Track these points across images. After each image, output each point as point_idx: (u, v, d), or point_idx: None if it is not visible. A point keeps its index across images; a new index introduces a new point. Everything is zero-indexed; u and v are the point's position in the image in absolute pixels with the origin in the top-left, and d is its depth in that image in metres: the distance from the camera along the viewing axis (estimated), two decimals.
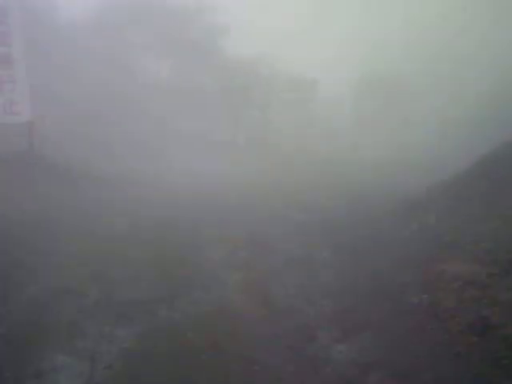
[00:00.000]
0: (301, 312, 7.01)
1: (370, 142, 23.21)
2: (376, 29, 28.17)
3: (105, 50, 21.17)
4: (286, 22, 28.20)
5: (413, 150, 21.56)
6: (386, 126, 24.99)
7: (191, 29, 23.07)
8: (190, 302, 7.23)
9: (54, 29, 19.85)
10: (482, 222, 8.95)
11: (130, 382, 5.50)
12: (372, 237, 10.10)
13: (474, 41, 25.41)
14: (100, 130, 19.51)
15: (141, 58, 23.15)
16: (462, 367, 5.53)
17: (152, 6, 22.66)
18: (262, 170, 17.90)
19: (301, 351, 6.03)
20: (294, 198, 13.76)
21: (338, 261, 8.95)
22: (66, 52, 19.62)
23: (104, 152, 18.04)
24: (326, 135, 23.08)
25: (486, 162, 11.37)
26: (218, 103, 21.60)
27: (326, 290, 7.65)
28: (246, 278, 8.13)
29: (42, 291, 7.30)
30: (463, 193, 10.75)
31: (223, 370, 5.67)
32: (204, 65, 21.94)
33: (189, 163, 18.55)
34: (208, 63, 22.08)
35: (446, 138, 21.48)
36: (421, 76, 25.76)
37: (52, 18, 20.55)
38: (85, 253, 8.80)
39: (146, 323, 6.63)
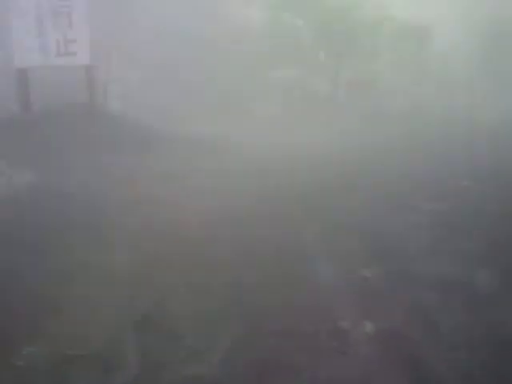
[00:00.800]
0: None
1: (494, 101, 19.23)
2: None
3: None
4: None
5: None
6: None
7: None
8: None
9: None
10: None
11: None
12: None
13: None
14: (181, 79, 16.73)
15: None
16: None
17: None
18: (364, 134, 14.58)
19: None
20: (415, 179, 10.00)
21: None
22: None
23: (185, 106, 15.23)
24: (442, 91, 19.22)
25: None
26: (314, 50, 18.27)
27: None
28: None
29: None
30: None
31: None
32: (299, 6, 18.53)
33: (281, 120, 15.51)
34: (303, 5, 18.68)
35: None
36: None
37: None
38: None
39: None
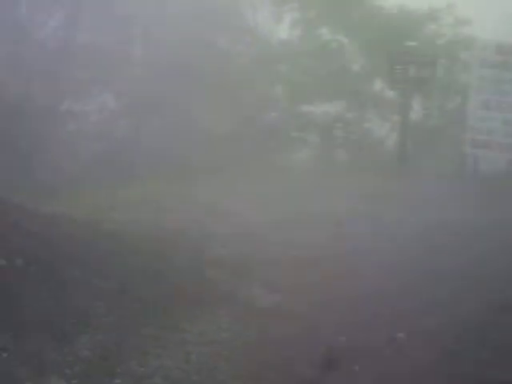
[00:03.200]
0: None
1: None
2: None
3: None
4: None
5: None
6: None
7: None
8: None
9: None
10: None
11: None
12: None
13: None
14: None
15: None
16: None
17: None
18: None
19: None
20: None
21: None
22: None
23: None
24: None
25: None
26: (367, 77, 14.22)
27: None
28: None
29: None
30: None
31: None
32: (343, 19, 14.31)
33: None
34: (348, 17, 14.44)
35: None
36: None
37: None
38: None
39: None
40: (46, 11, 14.56)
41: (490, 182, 11.01)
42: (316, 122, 14.22)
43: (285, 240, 7.45)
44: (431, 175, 11.54)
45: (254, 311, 5.34)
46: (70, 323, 4.32)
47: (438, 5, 13.50)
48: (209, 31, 16.02)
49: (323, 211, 8.78)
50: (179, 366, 4.10)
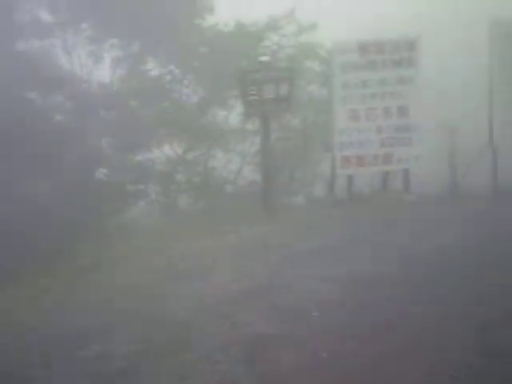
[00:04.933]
0: None
1: None
2: None
3: None
4: None
5: None
6: None
7: None
8: None
9: None
10: None
11: None
12: None
13: None
14: None
15: None
16: None
17: None
18: None
19: None
20: None
21: None
22: None
23: None
24: None
25: None
26: None
27: None
28: None
29: None
30: None
31: None
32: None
33: None
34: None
35: None
36: None
37: None
38: None
39: None
40: None
41: (365, 205, 8.58)
42: (155, 170, 11.30)
43: None
44: (299, 213, 8.91)
45: None
46: None
47: (277, 13, 11.37)
48: (16, 86, 12.87)
49: None
50: None
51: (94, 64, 13.35)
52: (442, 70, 11.41)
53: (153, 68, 12.15)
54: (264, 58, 10.19)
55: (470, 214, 7.45)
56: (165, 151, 11.62)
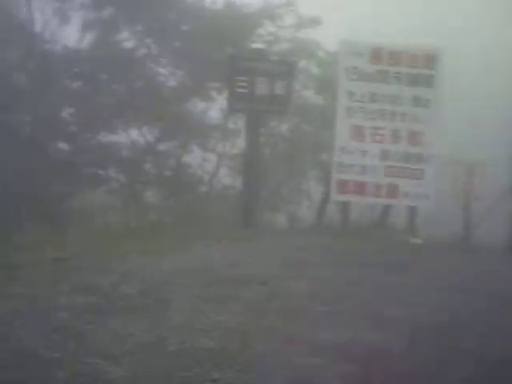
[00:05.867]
0: None
1: None
2: None
3: None
4: None
5: None
6: None
7: None
8: None
9: None
10: None
11: None
12: None
13: None
14: None
15: None
16: None
17: None
18: None
19: None
20: None
21: None
22: None
23: None
24: None
25: None
26: None
27: None
28: None
29: None
30: None
31: None
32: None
33: None
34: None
35: None
36: None
37: None
38: None
39: None
40: None
41: (360, 242, 7.42)
42: (120, 156, 9.92)
43: None
44: (280, 237, 7.67)
45: None
46: None
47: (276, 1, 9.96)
48: None
49: None
50: None
51: (60, 24, 11.84)
52: (468, 92, 10.28)
53: (126, 39, 10.67)
54: (258, 45, 8.91)
55: (483, 272, 6.35)
56: (133, 136, 10.24)
